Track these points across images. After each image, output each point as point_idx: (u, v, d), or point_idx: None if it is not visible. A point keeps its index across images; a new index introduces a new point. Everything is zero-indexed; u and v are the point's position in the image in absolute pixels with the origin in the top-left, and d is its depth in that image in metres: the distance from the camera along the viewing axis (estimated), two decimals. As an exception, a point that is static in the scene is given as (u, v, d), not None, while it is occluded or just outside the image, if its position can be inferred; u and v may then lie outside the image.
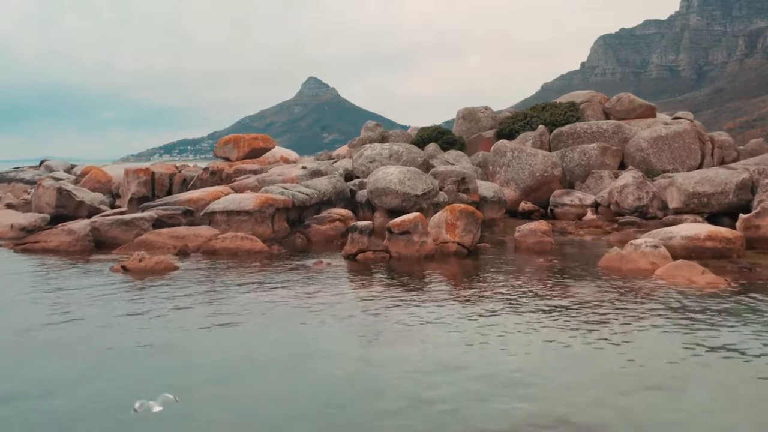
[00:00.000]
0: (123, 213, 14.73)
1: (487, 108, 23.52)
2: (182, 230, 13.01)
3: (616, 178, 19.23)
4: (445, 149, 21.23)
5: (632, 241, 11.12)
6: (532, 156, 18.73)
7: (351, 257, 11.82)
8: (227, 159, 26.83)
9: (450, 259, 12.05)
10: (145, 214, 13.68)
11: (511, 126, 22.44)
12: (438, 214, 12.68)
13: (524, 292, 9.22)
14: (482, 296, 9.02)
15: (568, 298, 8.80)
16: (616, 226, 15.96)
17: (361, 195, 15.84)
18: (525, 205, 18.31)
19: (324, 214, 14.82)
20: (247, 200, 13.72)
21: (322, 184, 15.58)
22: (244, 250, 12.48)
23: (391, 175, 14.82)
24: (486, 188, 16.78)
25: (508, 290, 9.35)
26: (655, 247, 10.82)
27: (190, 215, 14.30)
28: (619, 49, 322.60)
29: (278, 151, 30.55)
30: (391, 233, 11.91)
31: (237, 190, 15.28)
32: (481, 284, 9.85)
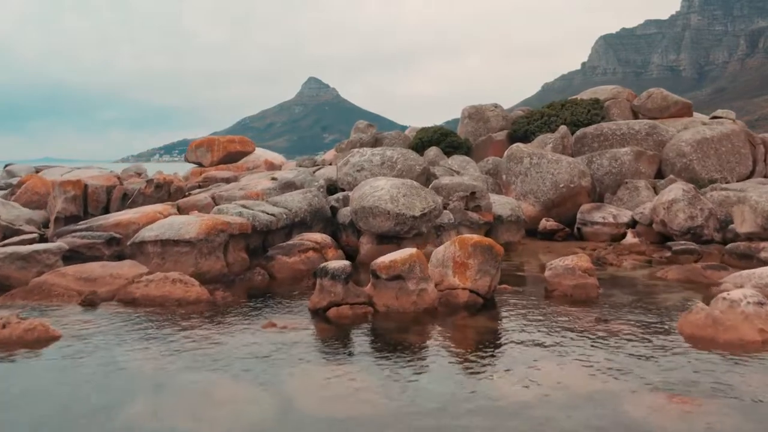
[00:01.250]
0: (32, 239, 11.26)
1: (496, 106, 20.03)
2: (95, 268, 9.47)
3: (654, 189, 15.78)
4: (448, 154, 17.77)
5: (724, 294, 7.64)
6: (555, 163, 15.26)
7: (320, 312, 8.34)
8: (200, 164, 23.36)
9: (459, 314, 8.51)
10: (52, 245, 10.17)
11: (525, 126, 18.96)
12: (442, 248, 9.11)
13: (587, 396, 5.59)
14: (519, 404, 5.53)
15: (663, 415, 5.22)
16: (668, 254, 12.49)
17: (344, 214, 12.38)
18: (547, 224, 14.85)
19: (294, 240, 11.31)
20: (189, 226, 10.19)
21: (295, 201, 12.09)
22: (174, 299, 8.92)
23: (381, 190, 11.33)
24: (501, 205, 13.27)
25: (555, 389, 5.76)
26: (762, 304, 7.39)
27: (116, 245, 10.80)
28: (620, 49, 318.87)
29: (262, 154, 27.17)
30: (376, 278, 8.41)
31: (183, 210, 11.79)
32: (509, 374, 6.26)
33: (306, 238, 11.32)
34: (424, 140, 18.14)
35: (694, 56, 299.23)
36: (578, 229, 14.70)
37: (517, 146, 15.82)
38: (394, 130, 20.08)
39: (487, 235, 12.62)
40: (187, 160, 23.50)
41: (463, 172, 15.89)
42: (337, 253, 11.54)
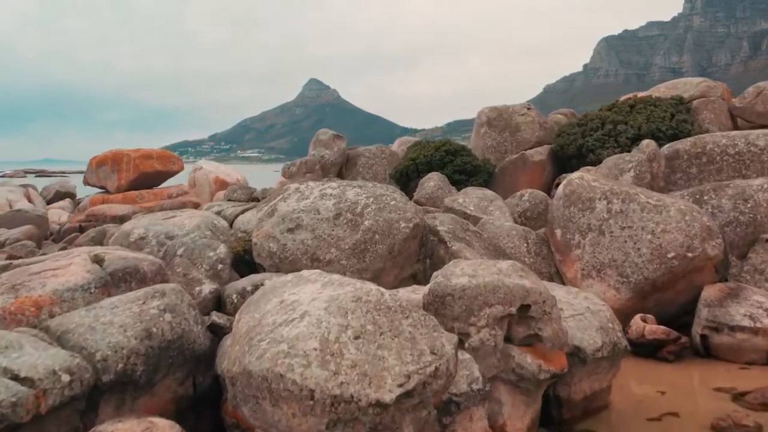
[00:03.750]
0: None
1: (530, 107, 12.97)
2: None
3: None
4: (458, 184, 10.80)
5: None
6: (656, 211, 8.30)
7: None
8: (104, 189, 16.38)
9: None
10: None
11: (578, 139, 11.92)
12: None
13: None
14: None
15: None
16: None
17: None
18: (648, 328, 7.90)
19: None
20: None
21: (113, 326, 5.09)
22: None
23: (301, 323, 4.51)
24: (580, 326, 6.15)
25: None
26: None
27: None
28: (622, 51, 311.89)
29: (210, 170, 20.23)
30: None
31: None
32: None
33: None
34: (419, 163, 11.15)
35: (697, 58, 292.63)
36: (703, 337, 7.80)
37: (582, 178, 8.81)
38: (376, 145, 12.98)
39: (553, 390, 5.72)
40: (87, 183, 16.44)
41: (486, 226, 8.90)
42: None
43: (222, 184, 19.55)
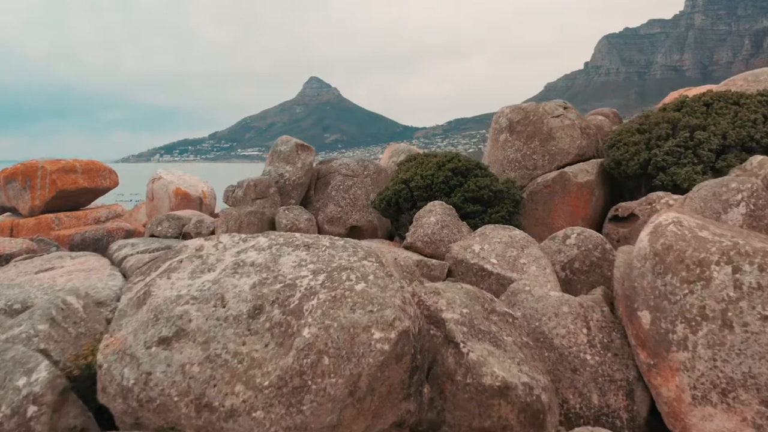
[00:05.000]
0: None
1: (566, 105, 9.35)
2: None
3: None
4: (467, 216, 7.35)
5: None
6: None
7: None
8: (15, 212, 12.86)
9: None
10: None
11: (644, 152, 8.31)
12: None
13: None
14: None
15: None
16: None
17: None
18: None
19: None
20: None
21: None
22: None
23: None
24: None
25: None
26: None
27: None
28: (624, 49, 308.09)
29: (170, 180, 16.79)
30: None
31: None
32: None
33: None
34: (415, 186, 7.64)
35: (698, 56, 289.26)
36: None
37: (681, 224, 5.37)
38: (357, 158, 9.17)
39: None
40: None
41: (520, 296, 5.46)
42: None
43: (184, 198, 16.09)
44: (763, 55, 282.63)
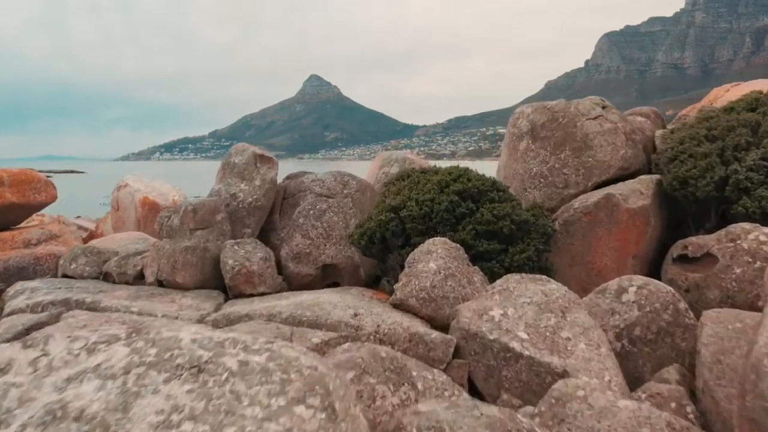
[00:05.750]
0: None
1: (605, 104, 7.15)
2: None
3: None
4: (479, 258, 5.27)
5: None
6: None
7: None
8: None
9: None
10: None
11: (718, 167, 5.92)
12: None
13: None
14: None
15: None
16: None
17: None
18: None
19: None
20: None
21: None
22: None
23: None
24: None
25: None
26: None
27: None
28: (624, 47, 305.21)
29: (138, 189, 14.68)
30: None
31: None
32: None
33: None
34: (407, 217, 5.56)
35: (699, 54, 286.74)
36: None
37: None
38: (334, 172, 7.09)
39: None
40: None
41: (571, 407, 3.39)
42: None
43: (152, 207, 13.91)
44: (765, 52, 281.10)
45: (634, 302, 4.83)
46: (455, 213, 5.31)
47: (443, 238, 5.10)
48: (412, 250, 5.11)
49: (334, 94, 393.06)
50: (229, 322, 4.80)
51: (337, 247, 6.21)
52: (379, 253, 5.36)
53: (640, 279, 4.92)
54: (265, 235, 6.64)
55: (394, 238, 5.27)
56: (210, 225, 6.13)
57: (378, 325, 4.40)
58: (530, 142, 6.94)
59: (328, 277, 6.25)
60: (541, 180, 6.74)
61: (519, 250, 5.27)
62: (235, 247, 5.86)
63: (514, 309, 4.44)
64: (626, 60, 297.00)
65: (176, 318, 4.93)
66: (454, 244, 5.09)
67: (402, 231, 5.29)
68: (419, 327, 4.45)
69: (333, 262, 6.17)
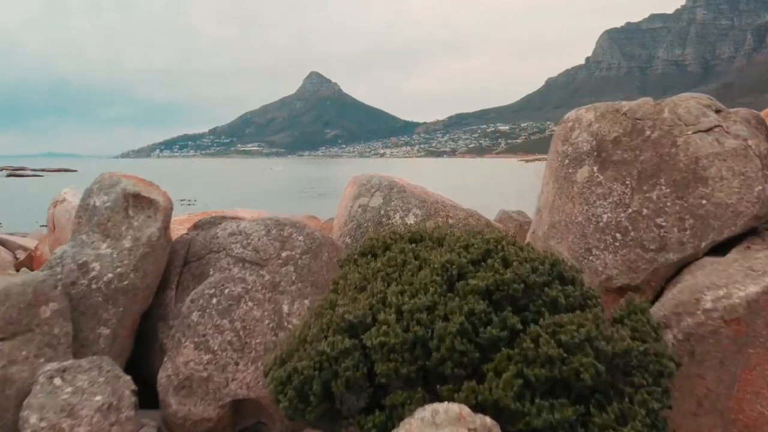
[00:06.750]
0: None
1: (719, 108, 4.64)
2: None
3: None
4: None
5: None
6: None
7: None
8: None
9: None
10: None
11: None
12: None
13: None
14: None
15: None
16: None
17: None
18: None
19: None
20: None
21: None
22: None
23: None
24: None
25: None
26: None
27: None
28: (625, 44, 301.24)
29: (75, 204, 11.46)
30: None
31: None
32: None
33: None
34: (378, 347, 2.79)
35: (700, 51, 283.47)
36: None
37: None
38: (274, 219, 4.57)
39: None
40: None
41: None
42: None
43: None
44: (766, 49, 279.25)
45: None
46: (479, 339, 2.48)
47: (457, 407, 2.28)
48: (383, 411, 2.32)
49: (334, 91, 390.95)
50: None
51: (258, 368, 3.37)
52: (321, 420, 2.53)
53: None
54: (147, 333, 3.81)
55: (351, 393, 2.45)
56: (27, 329, 3.30)
57: None
58: (595, 169, 4.10)
59: (243, 421, 3.41)
60: (617, 236, 3.92)
61: (614, 419, 2.45)
62: (56, 380, 3.02)
63: None
64: (627, 57, 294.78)
65: None
66: (480, 421, 2.26)
67: (367, 377, 2.47)
68: None
69: (250, 395, 3.34)
